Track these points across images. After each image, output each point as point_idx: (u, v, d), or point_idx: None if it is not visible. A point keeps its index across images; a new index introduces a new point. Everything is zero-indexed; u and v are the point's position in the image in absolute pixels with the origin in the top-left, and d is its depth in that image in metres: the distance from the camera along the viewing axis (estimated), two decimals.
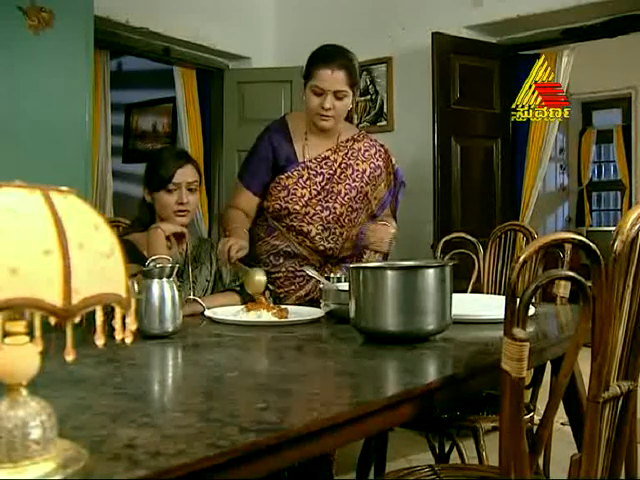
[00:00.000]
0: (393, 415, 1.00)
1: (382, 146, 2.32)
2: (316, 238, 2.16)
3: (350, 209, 2.19)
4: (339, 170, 2.20)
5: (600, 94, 7.04)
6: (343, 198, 2.18)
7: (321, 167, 2.19)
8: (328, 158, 2.20)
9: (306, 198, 2.16)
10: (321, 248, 2.17)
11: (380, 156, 2.27)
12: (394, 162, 2.32)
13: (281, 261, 2.21)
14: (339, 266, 2.22)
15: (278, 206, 2.17)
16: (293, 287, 2.19)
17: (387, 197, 2.30)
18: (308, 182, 2.17)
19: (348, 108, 2.16)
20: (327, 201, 2.17)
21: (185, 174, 1.95)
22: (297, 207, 2.15)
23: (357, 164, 2.22)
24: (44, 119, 2.72)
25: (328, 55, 2.11)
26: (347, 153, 2.22)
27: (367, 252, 2.21)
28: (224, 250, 1.93)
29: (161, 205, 1.95)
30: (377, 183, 2.25)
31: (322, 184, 2.18)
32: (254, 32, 4.28)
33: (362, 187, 2.21)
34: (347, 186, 2.19)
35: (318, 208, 2.16)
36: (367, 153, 2.25)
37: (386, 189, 2.29)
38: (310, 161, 2.18)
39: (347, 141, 2.24)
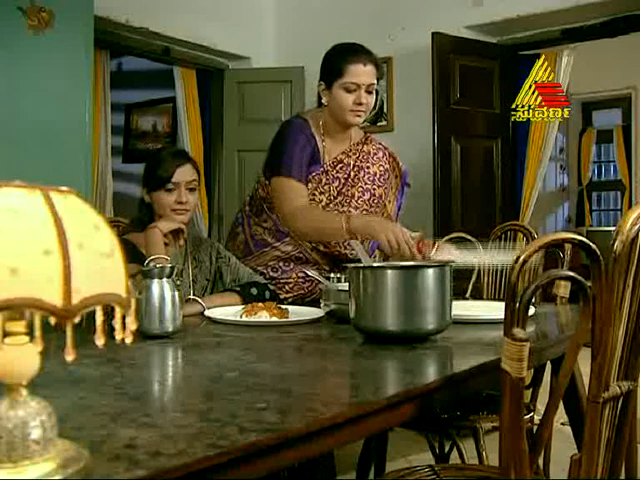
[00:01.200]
0: (393, 415, 1.00)
1: (387, 149, 2.31)
2: (332, 243, 2.14)
3: (365, 212, 2.18)
4: (352, 173, 2.18)
5: (600, 94, 7.04)
6: (357, 201, 2.17)
7: (337, 171, 2.17)
8: (342, 162, 2.18)
9: (323, 203, 2.14)
10: (336, 253, 2.16)
11: (386, 159, 2.27)
12: (401, 164, 2.31)
13: (291, 266, 2.17)
14: None
15: None
16: (302, 292, 2.17)
17: (399, 199, 2.29)
18: (327, 187, 2.14)
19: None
20: (342, 205, 2.15)
21: (184, 173, 1.95)
22: None
23: (368, 167, 2.21)
24: (44, 119, 2.72)
25: (357, 50, 2.09)
26: (358, 156, 2.21)
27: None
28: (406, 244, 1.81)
29: (160, 204, 1.94)
30: (388, 186, 2.25)
31: (338, 189, 2.16)
32: (254, 32, 4.28)
33: (374, 189, 2.20)
34: (360, 189, 2.18)
35: (334, 212, 2.13)
36: (376, 156, 2.24)
37: (394, 193, 2.28)
38: (328, 165, 2.16)
39: (357, 144, 2.23)
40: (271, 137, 2.20)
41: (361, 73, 2.05)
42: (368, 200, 2.18)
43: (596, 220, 7.97)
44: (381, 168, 2.23)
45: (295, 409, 0.95)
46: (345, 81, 2.05)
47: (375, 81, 2.08)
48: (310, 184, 2.11)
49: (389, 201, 2.26)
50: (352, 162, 2.19)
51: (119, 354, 1.26)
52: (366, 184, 2.19)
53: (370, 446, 2.11)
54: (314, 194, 2.12)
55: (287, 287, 2.16)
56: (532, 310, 1.63)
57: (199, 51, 4.14)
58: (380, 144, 2.31)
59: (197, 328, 1.66)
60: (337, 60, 2.09)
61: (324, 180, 2.14)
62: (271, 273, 2.16)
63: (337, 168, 2.16)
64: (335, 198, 2.15)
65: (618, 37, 3.66)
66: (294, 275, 2.16)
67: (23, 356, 0.65)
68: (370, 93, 2.08)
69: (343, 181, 2.17)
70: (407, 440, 2.68)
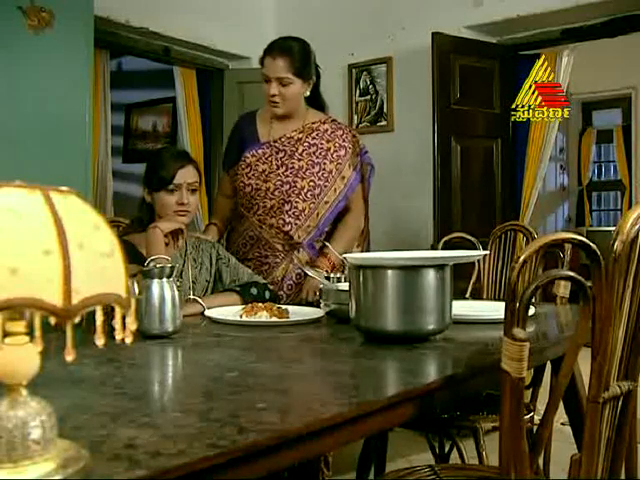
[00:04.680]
0: (393, 415, 1.00)
1: (350, 130, 2.39)
2: (276, 212, 2.22)
3: (312, 184, 2.24)
4: (301, 148, 2.27)
5: (600, 94, 7.04)
6: (304, 173, 2.24)
7: (284, 145, 2.27)
8: (292, 138, 2.28)
9: (266, 173, 2.24)
10: (280, 222, 2.22)
11: (346, 138, 2.32)
12: (361, 145, 2.38)
13: (248, 248, 2.30)
14: (307, 252, 2.27)
15: (242, 184, 2.26)
16: (261, 275, 2.22)
17: (355, 177, 2.33)
18: (269, 158, 2.26)
19: (299, 95, 2.22)
20: (287, 176, 2.24)
21: (186, 175, 1.95)
22: (259, 182, 2.24)
23: (322, 143, 2.28)
24: (44, 119, 2.72)
25: (272, 44, 2.20)
26: (312, 133, 2.29)
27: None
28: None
29: (161, 205, 1.95)
30: (342, 162, 2.29)
31: (283, 159, 2.25)
32: (254, 32, 4.27)
33: (325, 164, 2.26)
34: (309, 162, 2.25)
35: (278, 182, 2.23)
36: (333, 134, 2.31)
37: (353, 170, 2.32)
38: (275, 141, 2.28)
39: (313, 123, 2.31)
40: None
41: (269, 65, 2.17)
42: (317, 173, 2.25)
43: (596, 220, 7.96)
44: (337, 144, 2.29)
45: (295, 409, 0.95)
46: (262, 72, 2.20)
47: (287, 75, 2.15)
48: (253, 158, 2.27)
49: (342, 177, 2.29)
50: (303, 138, 2.27)
51: (119, 354, 1.26)
52: (317, 158, 2.26)
53: (370, 446, 2.11)
54: (256, 164, 2.26)
55: (251, 264, 2.25)
56: (532, 310, 1.63)
57: (199, 51, 4.13)
58: (342, 124, 2.40)
59: (197, 328, 1.66)
60: (263, 51, 2.22)
61: (268, 152, 2.27)
62: (242, 248, 2.31)
63: (285, 142, 2.27)
64: (278, 168, 2.25)
65: (618, 37, 3.65)
66: (250, 255, 2.29)
67: (23, 356, 0.65)
68: (285, 86, 2.17)
69: (290, 153, 2.26)
70: (407, 440, 2.67)
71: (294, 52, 2.16)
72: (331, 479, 2.17)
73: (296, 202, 2.22)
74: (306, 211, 2.23)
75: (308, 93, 2.26)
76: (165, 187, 1.93)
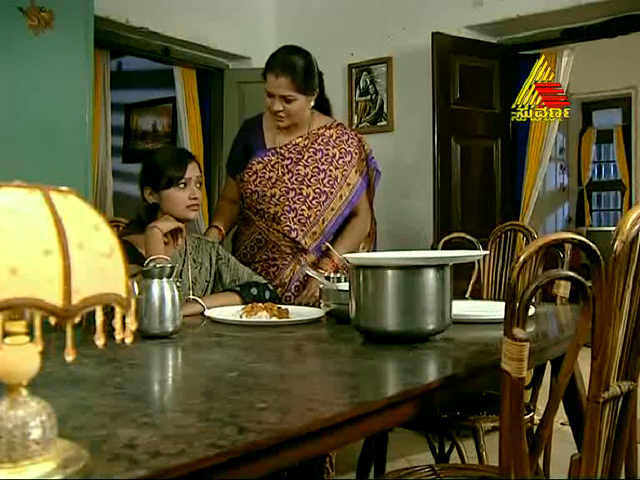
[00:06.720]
0: (393, 415, 1.00)
1: (356, 135, 2.38)
2: (282, 219, 2.22)
3: (318, 191, 2.24)
4: (307, 154, 2.26)
5: (600, 94, 7.04)
6: (310, 180, 2.24)
7: (290, 152, 2.27)
8: (298, 144, 2.28)
9: (273, 180, 2.24)
10: (286, 229, 2.22)
11: (352, 143, 2.32)
12: (367, 150, 2.37)
13: (255, 251, 2.30)
14: (314, 255, 2.28)
15: (249, 191, 2.27)
16: (269, 277, 2.23)
17: (361, 184, 2.33)
18: (276, 165, 2.26)
19: (303, 108, 2.22)
20: (293, 183, 2.24)
21: (193, 170, 1.98)
22: (265, 189, 2.24)
23: (327, 149, 2.28)
24: (44, 119, 2.72)
25: (275, 59, 2.18)
26: (317, 139, 2.29)
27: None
28: None
29: (173, 202, 1.94)
30: (348, 168, 2.29)
31: (289, 167, 2.25)
32: (254, 32, 4.27)
33: (331, 170, 2.26)
34: (315, 169, 2.25)
35: (284, 189, 2.23)
36: (338, 139, 2.31)
37: (359, 175, 2.32)
38: (280, 147, 2.27)
39: (319, 129, 2.31)
40: None
41: (272, 83, 2.15)
42: (322, 180, 2.26)
43: (596, 220, 7.97)
44: (342, 150, 2.29)
45: (295, 409, 0.95)
46: (265, 87, 2.18)
47: (290, 92, 2.14)
48: (259, 165, 2.27)
49: (348, 184, 2.30)
50: (309, 144, 2.27)
51: (119, 354, 1.26)
52: (322, 164, 2.26)
53: (370, 446, 2.11)
54: (263, 172, 2.26)
55: (259, 267, 2.25)
56: (532, 310, 1.63)
57: (199, 51, 4.13)
58: (348, 129, 2.39)
59: (197, 328, 1.66)
60: (265, 64, 2.19)
61: (274, 160, 2.27)
62: (249, 250, 2.31)
63: (291, 149, 2.27)
64: (284, 175, 2.25)
65: (618, 37, 3.65)
66: (257, 258, 2.28)
67: (23, 356, 0.65)
68: (289, 102, 2.16)
69: (295, 160, 2.26)
70: (407, 440, 2.67)
71: (297, 69, 2.15)
72: (332, 479, 2.17)
73: (302, 209, 2.22)
74: (312, 218, 2.24)
75: (312, 104, 2.25)
76: (176, 183, 1.93)
